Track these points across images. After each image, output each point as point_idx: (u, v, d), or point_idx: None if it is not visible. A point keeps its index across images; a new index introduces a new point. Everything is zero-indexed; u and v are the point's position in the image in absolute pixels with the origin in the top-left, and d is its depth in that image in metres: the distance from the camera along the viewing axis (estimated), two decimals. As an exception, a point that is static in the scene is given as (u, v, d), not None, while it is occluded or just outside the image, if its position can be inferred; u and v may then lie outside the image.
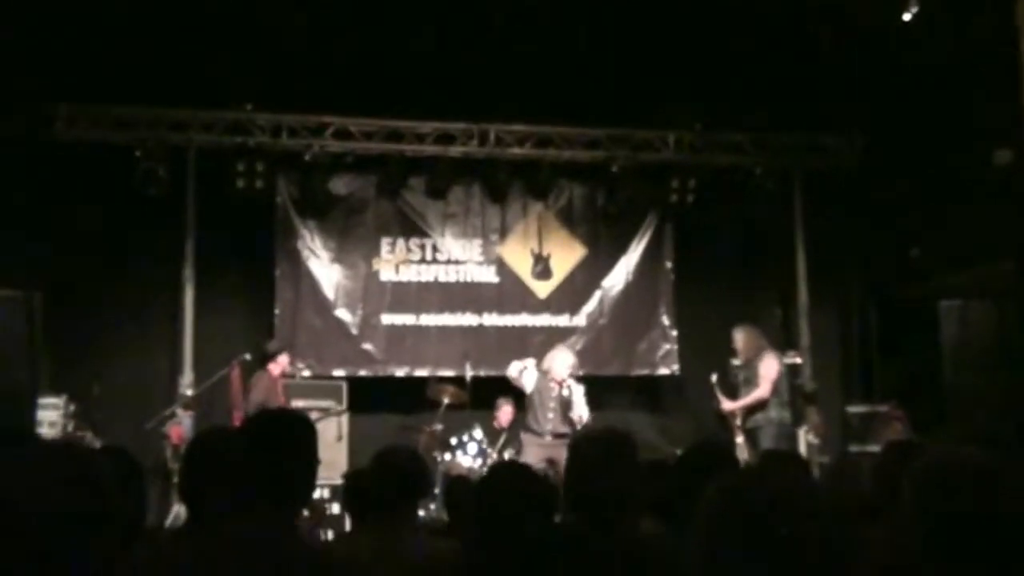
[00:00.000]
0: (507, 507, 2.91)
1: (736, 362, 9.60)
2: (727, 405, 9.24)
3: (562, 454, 8.39)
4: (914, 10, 7.72)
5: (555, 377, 8.90)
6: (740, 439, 9.09)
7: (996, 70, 8.08)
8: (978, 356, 9.09)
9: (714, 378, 9.47)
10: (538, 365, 9.11)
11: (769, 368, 9.10)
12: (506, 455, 9.12)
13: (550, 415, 8.87)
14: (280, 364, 9.35)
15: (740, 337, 9.41)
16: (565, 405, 8.86)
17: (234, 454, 2.83)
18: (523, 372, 9.05)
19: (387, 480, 3.62)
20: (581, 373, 9.31)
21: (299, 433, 2.79)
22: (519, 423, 9.48)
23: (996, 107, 8.37)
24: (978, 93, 8.81)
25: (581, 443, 3.13)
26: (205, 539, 2.49)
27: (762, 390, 9.01)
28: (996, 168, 8.71)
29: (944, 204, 9.48)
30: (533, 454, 8.62)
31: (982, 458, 2.01)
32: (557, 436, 8.75)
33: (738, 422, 9.16)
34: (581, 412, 8.81)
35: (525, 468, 3.37)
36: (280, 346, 9.54)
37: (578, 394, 8.90)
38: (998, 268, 8.76)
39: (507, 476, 3.18)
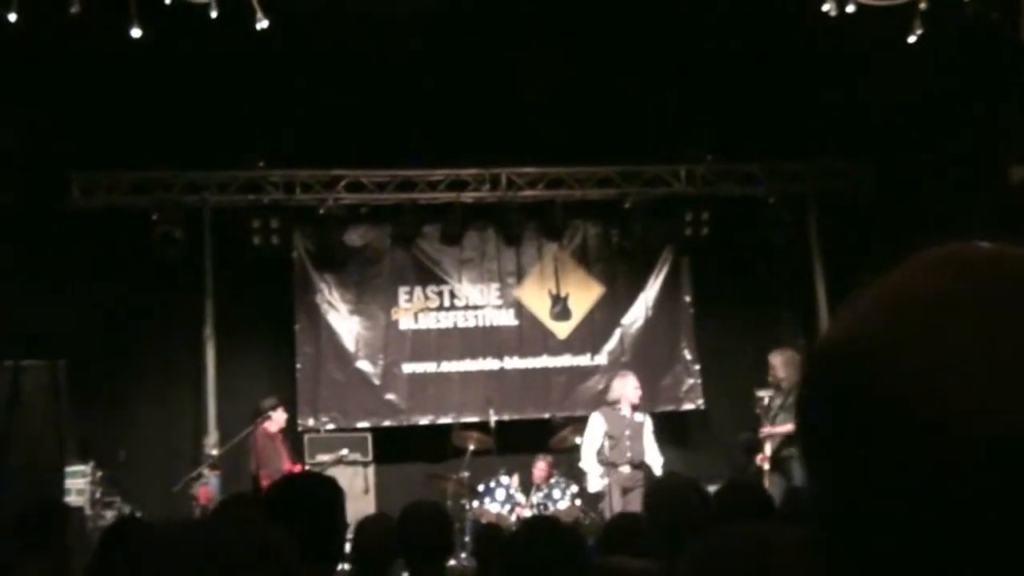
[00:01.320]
0: (537, 561, 2.87)
1: (762, 393, 9.32)
2: (769, 430, 8.66)
3: (638, 485, 8.31)
4: (919, 31, 7.70)
5: (631, 401, 8.72)
6: (767, 467, 8.75)
7: (1005, 87, 8.08)
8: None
9: (766, 399, 9.04)
10: (603, 409, 8.90)
11: None
12: (534, 500, 9.03)
13: (627, 443, 8.58)
14: (276, 421, 9.16)
15: (779, 362, 8.84)
16: (637, 432, 8.66)
17: (257, 521, 2.80)
18: (593, 434, 8.73)
19: (413, 536, 3.60)
20: (605, 423, 9.04)
21: (324, 496, 2.77)
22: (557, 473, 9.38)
23: (1008, 124, 8.34)
24: (989, 111, 8.78)
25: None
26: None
27: None
28: (1013, 185, 8.65)
29: (962, 224, 9.41)
30: (612, 485, 8.42)
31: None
32: (635, 467, 8.54)
33: (768, 450, 8.78)
34: (654, 455, 8.68)
35: (556, 521, 3.33)
36: (275, 402, 9.28)
37: (648, 430, 8.78)
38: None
39: (537, 530, 3.14)
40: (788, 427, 8.43)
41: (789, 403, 8.55)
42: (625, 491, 8.34)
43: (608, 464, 8.56)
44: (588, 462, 8.69)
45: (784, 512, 3.25)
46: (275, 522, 2.72)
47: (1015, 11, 7.66)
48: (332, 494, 2.76)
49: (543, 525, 3.20)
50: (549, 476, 9.33)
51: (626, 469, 8.54)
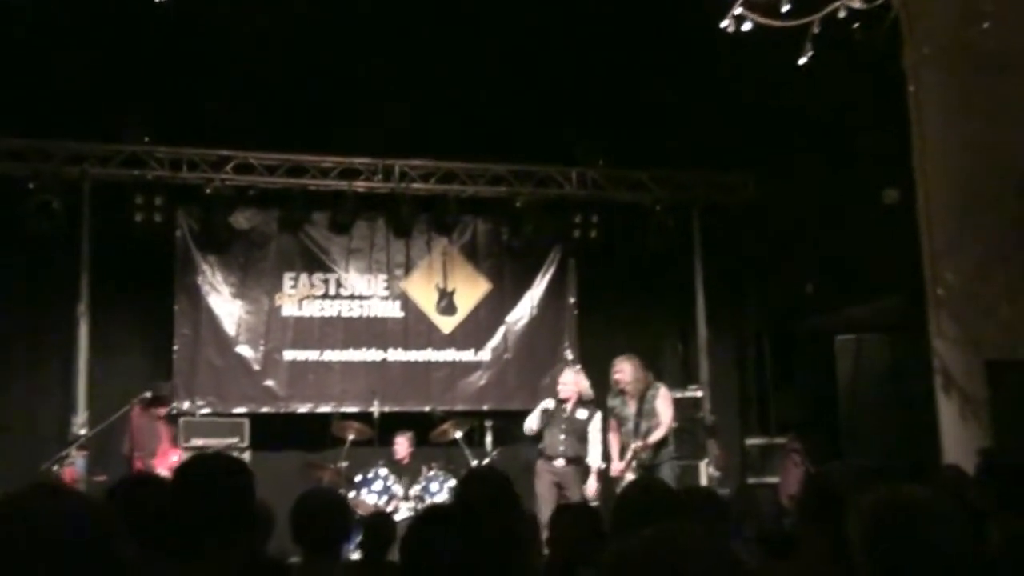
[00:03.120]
0: (432, 557, 2.85)
1: (613, 402, 8.74)
2: (638, 443, 8.40)
3: (571, 480, 8.36)
4: (810, 53, 7.99)
5: (560, 395, 8.69)
6: (629, 476, 8.30)
7: (885, 111, 8.44)
8: (872, 388, 9.42)
9: (615, 406, 8.80)
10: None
11: (668, 402, 8.62)
12: (411, 492, 9.01)
13: (561, 436, 8.53)
14: (158, 411, 9.06)
15: (628, 368, 8.63)
16: (576, 427, 8.57)
17: (160, 502, 2.74)
18: (537, 418, 8.66)
19: (310, 524, 3.57)
20: (552, 405, 8.78)
21: (232, 476, 2.72)
22: (418, 457, 9.41)
23: (885, 147, 8.72)
24: (868, 134, 9.16)
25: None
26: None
27: (665, 426, 8.48)
28: (885, 206, 9.05)
29: (837, 241, 9.81)
30: (543, 480, 8.42)
31: (925, 494, 2.09)
32: (569, 461, 8.49)
33: (633, 459, 8.40)
34: (595, 451, 8.55)
35: (450, 512, 3.34)
36: (169, 398, 9.24)
37: (594, 427, 8.61)
38: (890, 303, 9.09)
39: (435, 522, 3.11)
40: (659, 435, 8.44)
41: (645, 410, 8.50)
42: (559, 487, 8.35)
43: (542, 457, 8.56)
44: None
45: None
46: (181, 505, 2.66)
47: (898, 39, 8.05)
48: (242, 476, 2.72)
49: (440, 512, 3.21)
50: (411, 454, 9.39)
51: (558, 463, 8.50)
